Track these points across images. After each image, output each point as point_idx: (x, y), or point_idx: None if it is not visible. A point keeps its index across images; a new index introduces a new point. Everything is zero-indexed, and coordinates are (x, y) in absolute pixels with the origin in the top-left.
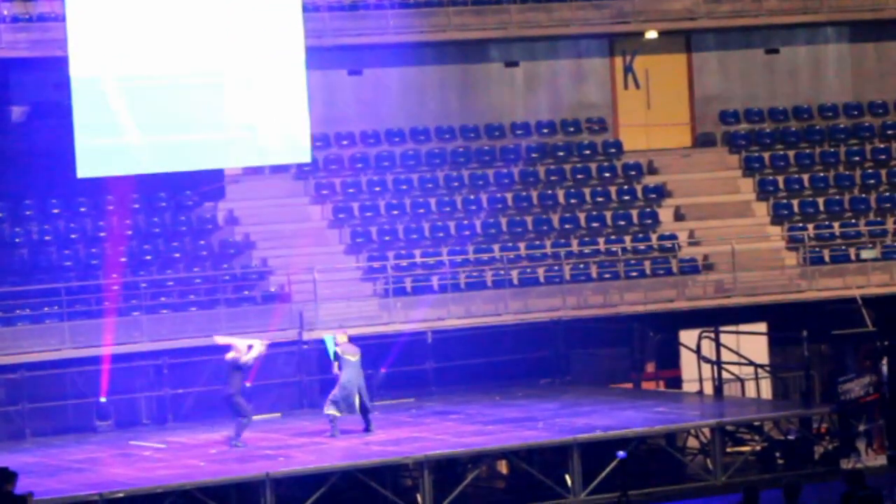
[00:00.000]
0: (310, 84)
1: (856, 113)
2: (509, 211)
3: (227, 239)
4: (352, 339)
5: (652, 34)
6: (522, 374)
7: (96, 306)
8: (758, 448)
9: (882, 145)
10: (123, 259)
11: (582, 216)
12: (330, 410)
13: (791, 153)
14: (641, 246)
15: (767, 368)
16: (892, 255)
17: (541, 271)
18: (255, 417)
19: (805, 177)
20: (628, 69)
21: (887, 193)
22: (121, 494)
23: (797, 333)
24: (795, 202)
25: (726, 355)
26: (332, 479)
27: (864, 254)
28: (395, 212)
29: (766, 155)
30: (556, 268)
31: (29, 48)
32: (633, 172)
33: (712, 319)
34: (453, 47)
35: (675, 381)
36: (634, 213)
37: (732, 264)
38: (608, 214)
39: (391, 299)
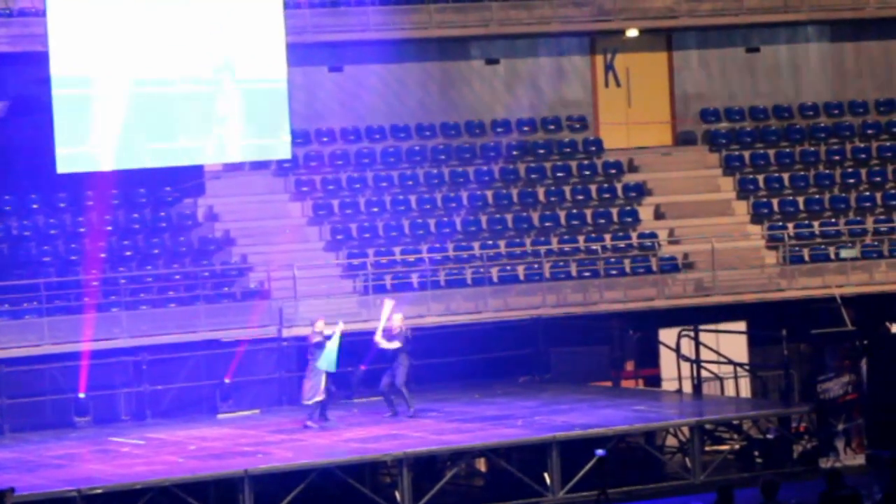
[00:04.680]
0: (290, 80)
1: (836, 112)
2: (489, 208)
3: (206, 235)
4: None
5: (633, 32)
6: (502, 372)
7: (75, 302)
8: (737, 447)
9: (862, 144)
10: (103, 255)
11: (562, 214)
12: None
13: (771, 152)
14: (621, 244)
15: (747, 367)
16: (872, 255)
17: (521, 269)
18: (235, 413)
19: (785, 176)
20: (609, 67)
21: (867, 193)
22: (99, 490)
23: (776, 332)
24: (775, 201)
25: (705, 354)
26: (310, 476)
27: (844, 253)
28: (375, 209)
29: (747, 154)
30: (535, 266)
31: (9, 43)
32: (613, 170)
33: (692, 318)
34: (434, 44)
35: (655, 380)
36: (614, 211)
37: (712, 263)
38: (588, 212)
39: (371, 296)
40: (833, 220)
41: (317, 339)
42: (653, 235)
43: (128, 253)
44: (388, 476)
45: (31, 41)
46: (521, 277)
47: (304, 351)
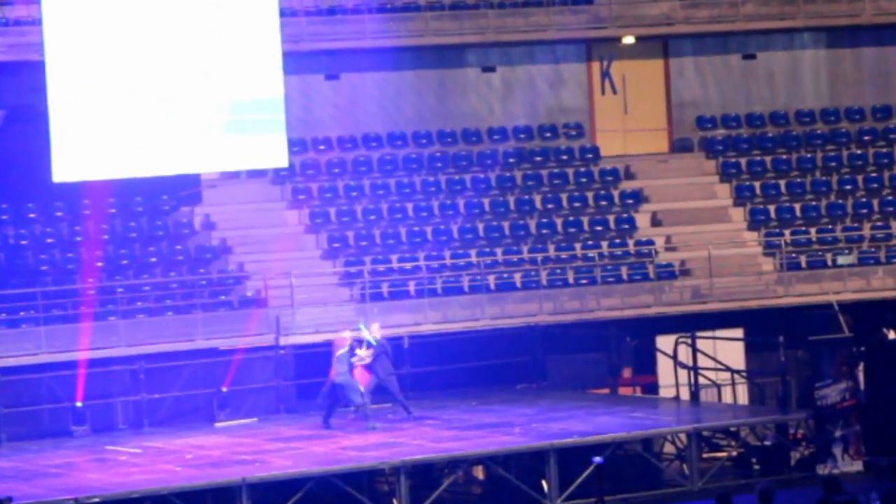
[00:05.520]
0: (287, 89)
1: (832, 119)
2: (486, 216)
3: (203, 243)
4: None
5: (629, 39)
6: (499, 380)
7: (73, 311)
8: (734, 454)
9: (859, 151)
10: (100, 264)
11: (559, 221)
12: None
13: (768, 159)
14: (618, 251)
15: (744, 374)
16: (869, 261)
17: (518, 276)
18: (232, 422)
19: (782, 182)
20: (605, 74)
21: (864, 199)
22: (97, 499)
23: (774, 339)
24: (772, 208)
25: (703, 361)
26: (308, 485)
27: (841, 259)
28: (372, 217)
29: (743, 161)
30: (532, 273)
31: (5, 52)
32: (610, 178)
33: (689, 325)
34: (431, 52)
35: (652, 387)
36: (611, 218)
37: (709, 270)
38: (585, 220)
39: (368, 304)
40: (830, 226)
41: (343, 350)
42: (650, 243)
43: (124, 261)
44: (386, 484)
45: (27, 50)
46: (518, 285)
47: (300, 359)
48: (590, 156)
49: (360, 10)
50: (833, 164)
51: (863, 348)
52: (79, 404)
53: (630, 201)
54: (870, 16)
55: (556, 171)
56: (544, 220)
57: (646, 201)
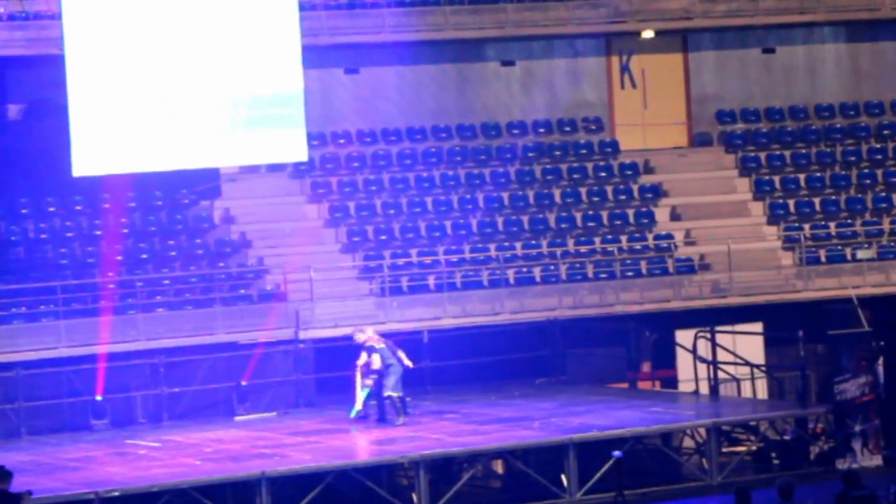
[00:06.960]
0: (306, 83)
1: (852, 113)
2: (505, 210)
3: (223, 237)
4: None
5: (648, 34)
6: (518, 374)
7: (92, 305)
8: (753, 448)
9: (878, 145)
10: (119, 257)
11: (578, 216)
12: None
13: (787, 153)
14: (637, 246)
15: (763, 368)
16: (888, 256)
17: (537, 271)
18: (252, 416)
19: (801, 177)
20: (625, 68)
21: (883, 193)
22: (116, 493)
23: (793, 333)
24: (791, 202)
25: (722, 355)
26: (327, 479)
27: (860, 254)
28: (392, 211)
29: (763, 155)
30: (552, 267)
31: (25, 46)
32: (629, 172)
33: (708, 319)
34: (450, 46)
35: (671, 381)
36: (631, 212)
37: (728, 264)
38: (604, 214)
39: (387, 298)
40: (849, 220)
41: (370, 343)
42: (669, 237)
43: (144, 255)
44: (406, 478)
45: (46, 44)
46: (538, 279)
47: (320, 353)
48: (609, 150)
49: (379, 4)
50: (853, 158)
51: (882, 343)
52: (98, 398)
53: (649, 195)
54: (889, 10)
55: (575, 165)
56: (563, 215)
57: (665, 195)
